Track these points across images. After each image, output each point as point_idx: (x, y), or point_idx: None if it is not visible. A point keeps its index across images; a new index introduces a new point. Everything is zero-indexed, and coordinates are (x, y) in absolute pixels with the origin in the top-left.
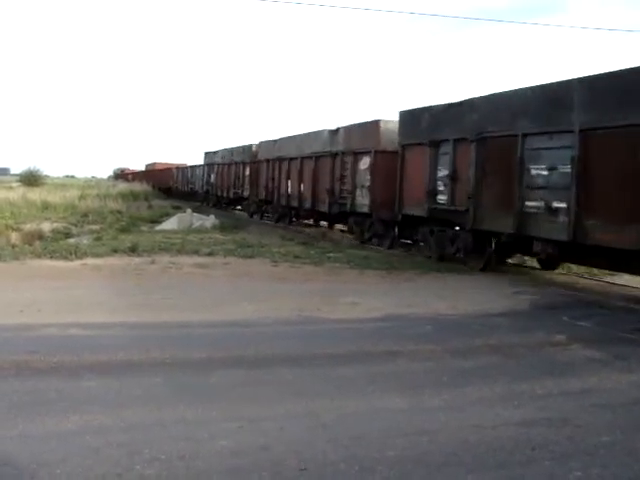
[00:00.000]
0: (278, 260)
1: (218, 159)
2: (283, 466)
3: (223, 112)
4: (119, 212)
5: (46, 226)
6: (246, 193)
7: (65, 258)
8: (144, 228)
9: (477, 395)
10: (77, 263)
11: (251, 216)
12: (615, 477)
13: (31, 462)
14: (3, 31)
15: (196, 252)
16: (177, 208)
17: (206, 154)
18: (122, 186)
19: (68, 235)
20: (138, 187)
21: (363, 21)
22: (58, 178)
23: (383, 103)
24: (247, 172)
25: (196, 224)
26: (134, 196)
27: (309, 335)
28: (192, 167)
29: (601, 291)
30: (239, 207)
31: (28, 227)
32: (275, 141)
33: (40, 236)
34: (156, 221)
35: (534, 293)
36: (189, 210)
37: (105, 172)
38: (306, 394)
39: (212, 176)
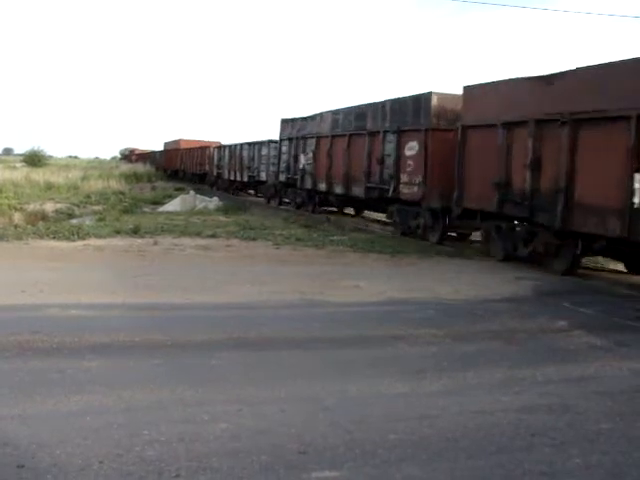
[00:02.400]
0: (280, 243)
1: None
2: (283, 449)
3: (236, 95)
4: (122, 193)
5: (49, 206)
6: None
7: (67, 239)
8: (147, 209)
9: (477, 380)
10: (79, 244)
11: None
12: (615, 464)
13: (31, 442)
14: (8, 10)
15: (198, 234)
16: (180, 189)
17: (284, 122)
18: (126, 167)
19: (71, 216)
20: (142, 169)
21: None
22: (61, 159)
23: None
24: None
25: (199, 206)
26: (137, 177)
27: (311, 318)
28: (254, 144)
29: (605, 278)
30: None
31: (31, 207)
32: (305, 118)
33: (43, 216)
34: (159, 202)
35: (537, 279)
36: (192, 192)
37: (108, 153)
38: (307, 377)
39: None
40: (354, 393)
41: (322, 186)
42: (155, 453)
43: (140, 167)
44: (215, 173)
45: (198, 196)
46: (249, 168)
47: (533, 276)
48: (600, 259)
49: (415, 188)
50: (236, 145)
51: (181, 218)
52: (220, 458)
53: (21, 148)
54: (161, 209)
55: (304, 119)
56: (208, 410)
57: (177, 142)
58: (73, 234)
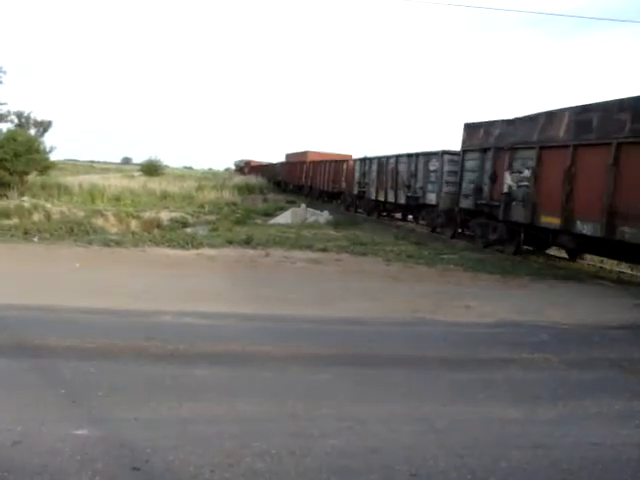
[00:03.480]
0: (391, 259)
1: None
2: (393, 470)
3: (368, 106)
4: (234, 204)
5: (164, 215)
6: None
7: (182, 247)
8: (258, 221)
9: (595, 410)
10: (193, 252)
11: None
12: None
13: (145, 447)
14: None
15: (309, 247)
16: (291, 202)
17: (470, 127)
18: (238, 179)
19: (185, 225)
20: (254, 181)
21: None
22: (177, 169)
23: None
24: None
25: (310, 219)
26: (249, 189)
27: (422, 337)
28: (418, 156)
29: None
30: None
31: (147, 215)
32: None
33: (158, 224)
34: (270, 214)
35: None
36: (303, 205)
37: (222, 164)
38: (417, 397)
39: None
40: (465, 416)
41: (549, 221)
42: (265, 465)
43: (252, 179)
44: (356, 191)
45: (309, 209)
46: (408, 187)
47: None
48: None
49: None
50: (389, 157)
51: (292, 231)
52: (329, 475)
53: (139, 158)
54: (272, 221)
55: (509, 122)
56: (318, 425)
57: (304, 154)
58: (187, 243)
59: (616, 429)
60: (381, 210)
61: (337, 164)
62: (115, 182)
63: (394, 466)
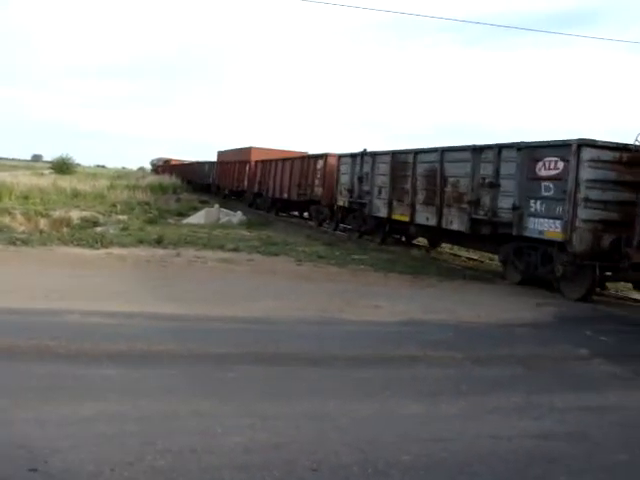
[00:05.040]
0: (302, 259)
1: None
2: (295, 466)
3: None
4: (147, 204)
5: (75, 214)
6: None
7: (91, 246)
8: (171, 221)
9: (495, 405)
10: (102, 252)
11: None
12: None
13: (45, 447)
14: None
15: (221, 247)
16: (205, 203)
17: None
18: (152, 178)
19: (96, 224)
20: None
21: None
22: (89, 167)
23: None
24: None
25: (223, 219)
26: (163, 189)
27: (330, 336)
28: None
29: (628, 307)
30: None
31: (57, 214)
32: None
33: (68, 223)
34: (183, 214)
35: (558, 305)
36: (216, 205)
37: (136, 163)
38: (323, 395)
39: None
40: (369, 413)
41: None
42: (166, 463)
43: (166, 179)
44: (344, 202)
45: (222, 210)
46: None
47: (554, 302)
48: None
49: None
50: (417, 152)
51: (204, 231)
52: (232, 471)
53: (49, 155)
54: (185, 221)
55: None
56: (222, 422)
57: (246, 151)
58: (96, 242)
59: (514, 422)
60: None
61: (307, 162)
62: (24, 180)
63: (296, 461)
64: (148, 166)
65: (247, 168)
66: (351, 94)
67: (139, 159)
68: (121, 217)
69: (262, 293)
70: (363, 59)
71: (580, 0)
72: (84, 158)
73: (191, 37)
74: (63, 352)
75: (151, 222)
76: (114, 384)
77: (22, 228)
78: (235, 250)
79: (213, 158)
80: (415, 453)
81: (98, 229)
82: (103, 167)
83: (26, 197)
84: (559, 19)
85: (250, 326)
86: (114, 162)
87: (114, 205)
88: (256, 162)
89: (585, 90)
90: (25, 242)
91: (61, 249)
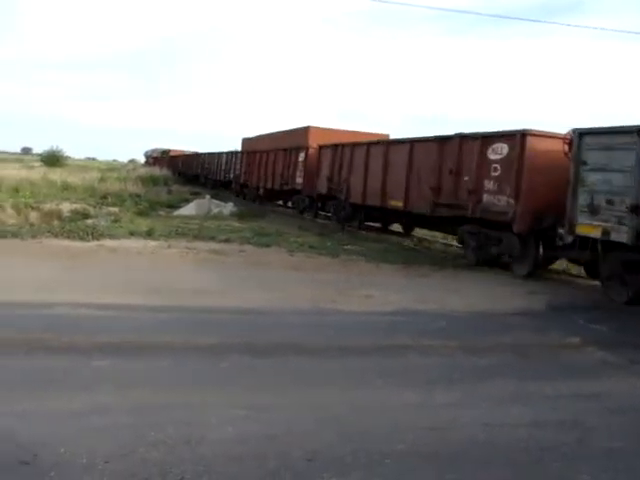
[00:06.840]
0: (294, 250)
1: None
2: (289, 456)
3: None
4: (138, 196)
5: (65, 207)
6: None
7: (82, 239)
8: (162, 212)
9: (488, 393)
10: (93, 244)
11: None
12: None
13: (35, 441)
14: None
15: (212, 238)
16: (196, 194)
17: None
18: (143, 170)
19: (86, 216)
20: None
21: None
22: (79, 160)
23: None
24: None
25: (214, 210)
26: (153, 181)
27: (322, 326)
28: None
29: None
30: None
31: (47, 207)
32: None
33: (58, 216)
34: (175, 206)
35: (549, 293)
36: (208, 196)
37: (127, 155)
38: (316, 385)
39: None
40: (363, 402)
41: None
42: (160, 455)
43: (157, 171)
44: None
45: (214, 201)
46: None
47: (546, 291)
48: None
49: None
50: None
51: (196, 222)
52: (225, 462)
53: (40, 148)
54: (176, 213)
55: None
56: (215, 413)
57: (300, 133)
58: (87, 234)
59: (507, 409)
60: None
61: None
62: (14, 172)
63: (291, 452)
64: (139, 158)
65: (301, 157)
66: (339, 84)
67: (130, 151)
68: (112, 209)
69: (254, 284)
70: (341, 47)
71: None
72: (74, 151)
73: (175, 30)
74: (55, 345)
75: (142, 214)
76: (106, 376)
77: (12, 221)
78: (227, 241)
79: (206, 149)
80: (410, 442)
81: (89, 221)
82: (94, 159)
83: (16, 190)
84: (546, 9)
85: (242, 317)
86: (105, 155)
87: (105, 197)
88: (320, 147)
89: (571, 78)
90: (15, 234)
91: (52, 241)
